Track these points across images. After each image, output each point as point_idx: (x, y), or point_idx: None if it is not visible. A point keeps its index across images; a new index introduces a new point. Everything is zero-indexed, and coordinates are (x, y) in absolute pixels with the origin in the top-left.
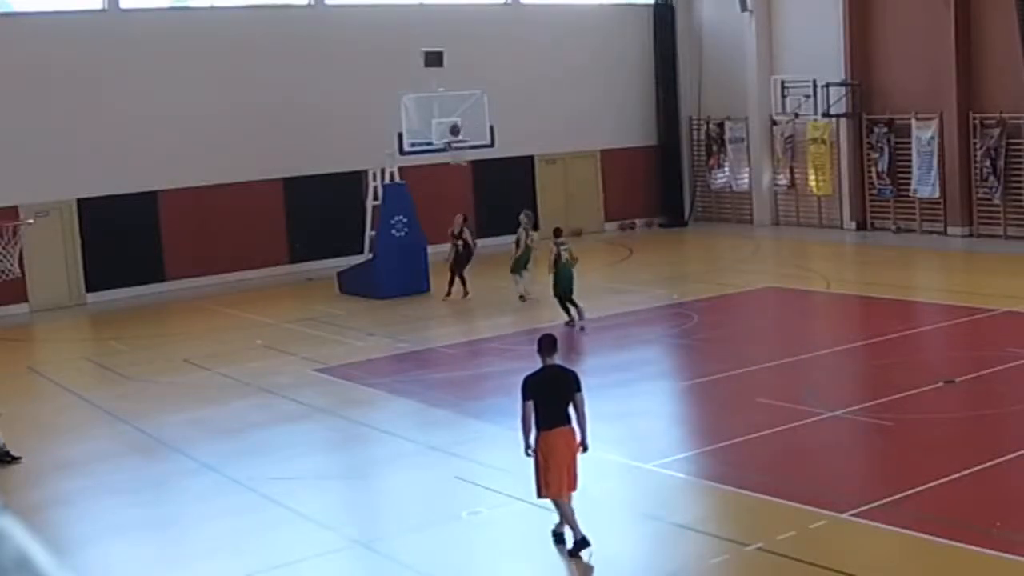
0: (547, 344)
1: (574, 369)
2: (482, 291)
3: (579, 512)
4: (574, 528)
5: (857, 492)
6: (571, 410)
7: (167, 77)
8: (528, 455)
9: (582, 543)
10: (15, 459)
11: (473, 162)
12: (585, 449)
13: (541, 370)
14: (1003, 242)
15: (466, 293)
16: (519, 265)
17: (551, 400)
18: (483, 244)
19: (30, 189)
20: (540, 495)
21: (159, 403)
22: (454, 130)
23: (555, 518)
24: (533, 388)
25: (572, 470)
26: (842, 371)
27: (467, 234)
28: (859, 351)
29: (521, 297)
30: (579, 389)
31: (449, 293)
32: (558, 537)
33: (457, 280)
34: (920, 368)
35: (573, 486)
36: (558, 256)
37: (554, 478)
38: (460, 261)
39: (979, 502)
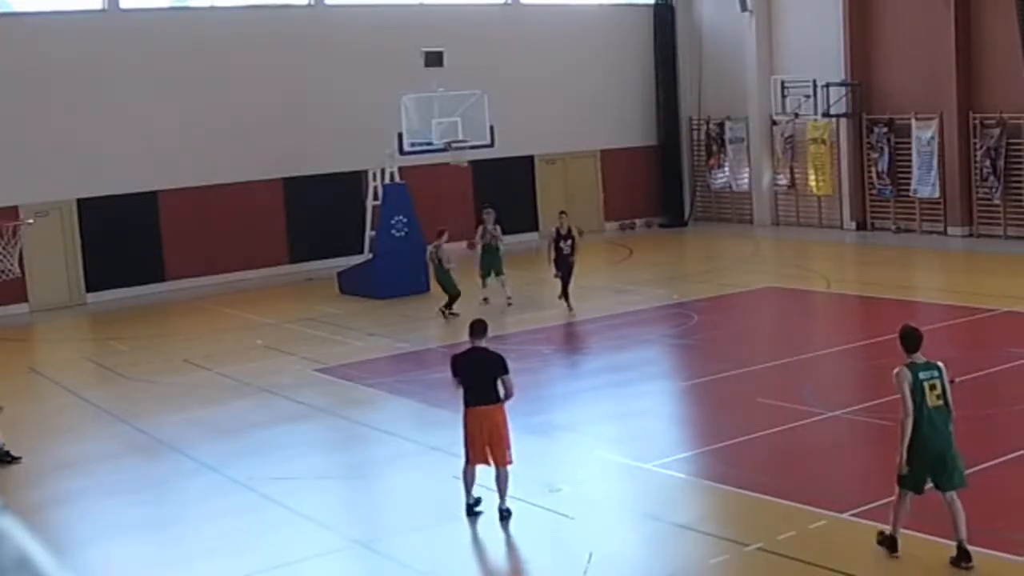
0: (475, 328)
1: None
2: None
3: (579, 512)
4: (467, 492)
5: (857, 492)
6: (500, 390)
7: (167, 77)
8: None
9: (472, 505)
10: (15, 459)
11: (473, 162)
12: None
13: (467, 351)
14: (1003, 242)
15: (570, 308)
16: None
17: (474, 380)
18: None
19: (30, 189)
20: (465, 464)
21: (159, 403)
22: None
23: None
24: (458, 367)
25: (497, 446)
26: (842, 371)
27: (575, 234)
28: (859, 351)
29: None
30: (506, 371)
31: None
32: (476, 502)
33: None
34: None
35: (501, 460)
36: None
37: (473, 452)
38: (565, 270)
39: (979, 502)
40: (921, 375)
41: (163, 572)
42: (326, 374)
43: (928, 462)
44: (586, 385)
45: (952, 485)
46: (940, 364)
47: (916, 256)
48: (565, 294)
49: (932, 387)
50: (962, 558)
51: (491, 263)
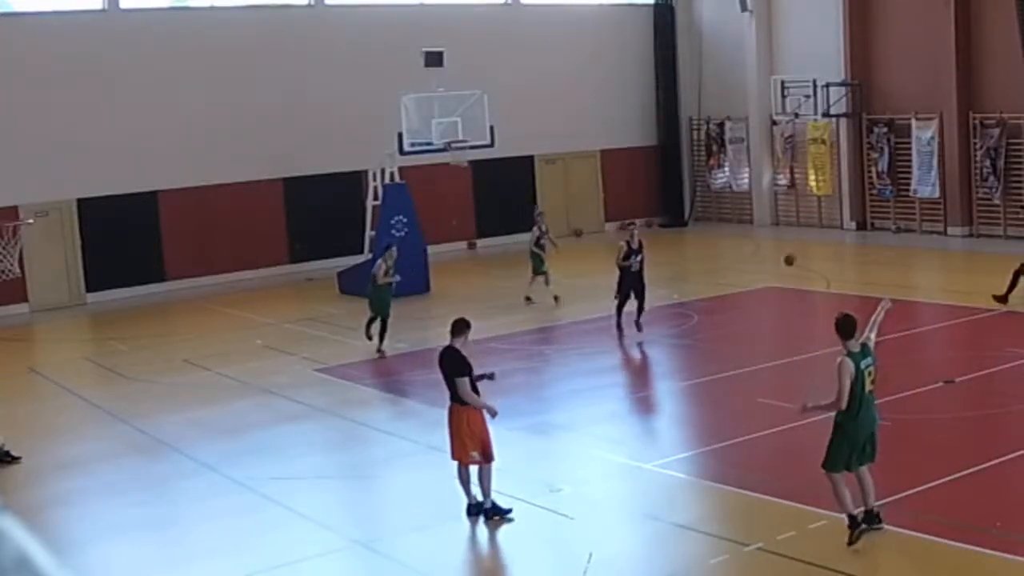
0: (454, 326)
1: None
2: (483, 290)
3: (579, 512)
4: (466, 493)
5: (857, 492)
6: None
7: (167, 77)
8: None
9: (473, 508)
10: (15, 459)
11: (473, 162)
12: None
13: (443, 349)
14: (1003, 242)
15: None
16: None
17: (443, 376)
18: (482, 244)
19: (30, 189)
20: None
21: (159, 403)
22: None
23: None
24: (439, 363)
25: (456, 440)
26: None
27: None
28: None
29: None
30: (460, 375)
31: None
32: (478, 506)
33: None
34: (920, 368)
35: (459, 457)
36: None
37: (449, 445)
38: (636, 287)
39: (979, 502)
40: (863, 364)
41: (163, 572)
42: (326, 374)
43: (858, 444)
44: (586, 385)
45: (865, 460)
46: (871, 347)
47: (916, 256)
48: (639, 311)
49: (869, 374)
50: (872, 520)
51: (537, 263)
